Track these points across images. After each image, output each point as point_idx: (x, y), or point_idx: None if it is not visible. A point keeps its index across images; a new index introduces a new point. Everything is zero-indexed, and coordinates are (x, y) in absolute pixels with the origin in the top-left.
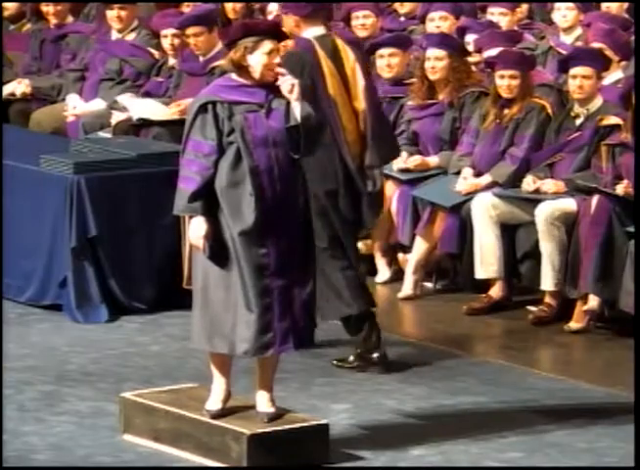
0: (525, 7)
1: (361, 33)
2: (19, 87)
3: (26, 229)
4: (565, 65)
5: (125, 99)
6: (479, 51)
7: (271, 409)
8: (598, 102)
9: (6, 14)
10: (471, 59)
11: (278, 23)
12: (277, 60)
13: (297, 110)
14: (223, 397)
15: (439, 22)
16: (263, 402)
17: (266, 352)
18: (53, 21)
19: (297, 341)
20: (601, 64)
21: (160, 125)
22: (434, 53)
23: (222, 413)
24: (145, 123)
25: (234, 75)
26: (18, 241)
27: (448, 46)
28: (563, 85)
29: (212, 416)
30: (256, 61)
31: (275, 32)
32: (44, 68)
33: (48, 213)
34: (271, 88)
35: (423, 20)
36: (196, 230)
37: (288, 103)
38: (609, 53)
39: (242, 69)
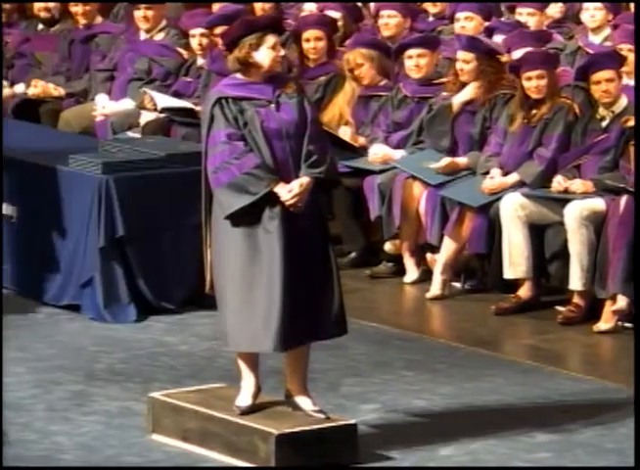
0: (560, 6)
1: (385, 33)
2: (31, 89)
3: (53, 229)
4: (584, 72)
5: (152, 92)
6: (507, 51)
7: (318, 407)
8: (623, 103)
9: (47, 15)
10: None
11: (278, 16)
12: (282, 52)
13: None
14: (253, 392)
15: (464, 22)
16: (308, 404)
17: (290, 348)
18: (82, 21)
19: (317, 333)
20: (620, 63)
21: (188, 125)
22: (461, 55)
23: (252, 409)
24: (173, 121)
25: (238, 75)
26: (43, 240)
27: (476, 48)
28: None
29: (243, 412)
30: (263, 56)
31: (276, 26)
32: (74, 68)
33: (75, 213)
34: (276, 83)
35: (452, 19)
36: (286, 193)
37: (298, 96)
38: (634, 54)
39: (248, 66)
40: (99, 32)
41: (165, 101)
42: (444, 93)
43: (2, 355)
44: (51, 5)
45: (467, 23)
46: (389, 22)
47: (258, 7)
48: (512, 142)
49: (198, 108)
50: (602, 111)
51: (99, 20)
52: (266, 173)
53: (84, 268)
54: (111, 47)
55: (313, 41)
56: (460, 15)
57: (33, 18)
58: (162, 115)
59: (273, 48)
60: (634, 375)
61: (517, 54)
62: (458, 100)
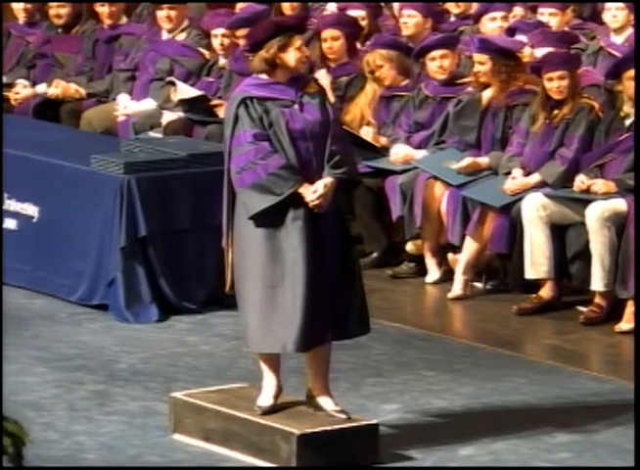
0: (569, 8)
1: (405, 32)
2: (51, 89)
3: (77, 229)
4: (616, 71)
5: (179, 82)
6: (532, 47)
7: (340, 407)
8: None
9: (60, 22)
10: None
11: (303, 17)
12: (307, 52)
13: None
14: (274, 392)
15: (501, 21)
16: (330, 404)
17: (311, 348)
18: (107, 21)
19: (340, 332)
20: None
21: (206, 124)
22: (476, 57)
23: (273, 409)
24: (195, 121)
25: (262, 75)
26: (69, 241)
27: (488, 49)
28: (613, 86)
29: (264, 412)
30: (291, 57)
31: (301, 26)
32: (97, 68)
33: (99, 213)
34: (298, 84)
35: (477, 20)
36: (311, 193)
37: (319, 96)
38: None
39: (274, 66)
40: (123, 33)
41: (187, 92)
42: (470, 89)
43: (2, 355)
44: (62, 11)
45: (503, 22)
46: (408, 21)
47: (286, 5)
48: (534, 142)
49: (216, 101)
50: (627, 109)
51: (124, 20)
52: (291, 174)
53: (107, 269)
54: (133, 48)
55: (330, 41)
56: (497, 14)
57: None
58: (183, 115)
59: (299, 49)
60: (634, 375)
61: (539, 52)
62: (486, 95)
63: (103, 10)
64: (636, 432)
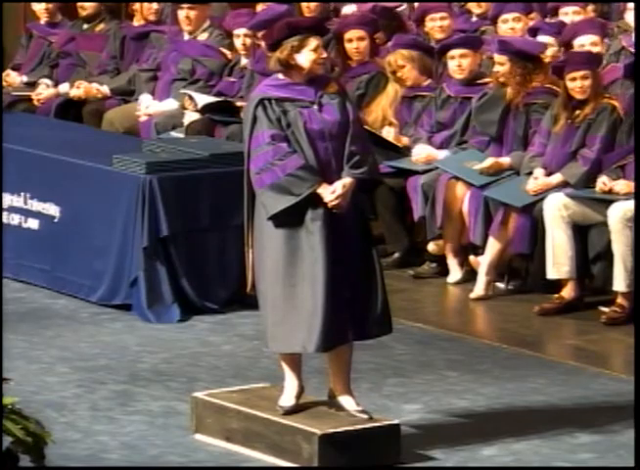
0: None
1: (439, 35)
2: (73, 90)
3: (98, 229)
4: (631, 70)
5: (192, 92)
6: (571, 38)
7: (361, 407)
8: None
9: (83, 13)
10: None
11: (321, 18)
12: (324, 54)
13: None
14: (296, 392)
15: (513, 23)
16: (352, 404)
17: (332, 348)
18: (151, 18)
19: (361, 332)
20: None
21: (229, 124)
22: (496, 58)
23: (295, 409)
24: (217, 121)
25: (280, 75)
26: (89, 240)
27: (506, 51)
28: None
29: (286, 412)
30: (304, 59)
31: (318, 27)
32: (124, 65)
33: (120, 213)
34: (318, 84)
35: (494, 20)
36: (329, 194)
37: (339, 96)
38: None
39: (289, 67)
40: (152, 31)
41: (205, 99)
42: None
43: (2, 352)
44: (87, 5)
45: (515, 24)
46: (444, 24)
47: (305, 6)
48: (555, 142)
49: (239, 103)
50: None
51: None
52: (310, 174)
53: (128, 269)
54: (162, 45)
55: (356, 41)
56: (508, 16)
57: (79, 18)
58: (205, 115)
59: (315, 50)
60: (634, 374)
61: (580, 40)
62: (509, 91)
63: (150, 6)
64: (636, 431)
